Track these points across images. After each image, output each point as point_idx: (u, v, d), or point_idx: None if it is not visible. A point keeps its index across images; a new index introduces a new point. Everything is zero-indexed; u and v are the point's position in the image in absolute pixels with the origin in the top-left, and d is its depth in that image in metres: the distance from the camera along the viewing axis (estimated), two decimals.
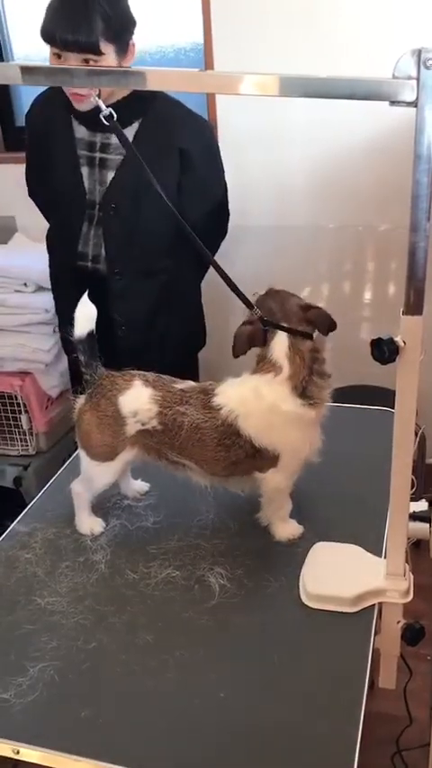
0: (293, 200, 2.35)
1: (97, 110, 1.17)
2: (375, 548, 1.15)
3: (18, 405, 2.27)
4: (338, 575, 1.10)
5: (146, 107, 1.68)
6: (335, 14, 2.11)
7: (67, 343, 1.89)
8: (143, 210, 1.71)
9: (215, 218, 1.86)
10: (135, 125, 1.69)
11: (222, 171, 1.85)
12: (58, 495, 1.35)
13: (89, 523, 1.26)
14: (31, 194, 1.94)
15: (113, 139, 1.70)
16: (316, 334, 1.16)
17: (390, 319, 1.04)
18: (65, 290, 1.86)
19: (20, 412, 2.27)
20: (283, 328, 1.14)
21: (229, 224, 1.95)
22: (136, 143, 1.67)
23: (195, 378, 1.25)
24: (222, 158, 1.83)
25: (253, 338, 1.16)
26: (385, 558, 1.08)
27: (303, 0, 2.11)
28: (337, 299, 2.44)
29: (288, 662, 0.99)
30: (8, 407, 2.28)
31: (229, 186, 1.89)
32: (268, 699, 0.94)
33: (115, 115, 1.18)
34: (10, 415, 2.29)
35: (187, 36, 2.37)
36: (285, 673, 0.98)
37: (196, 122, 1.76)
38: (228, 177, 1.86)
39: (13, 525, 1.29)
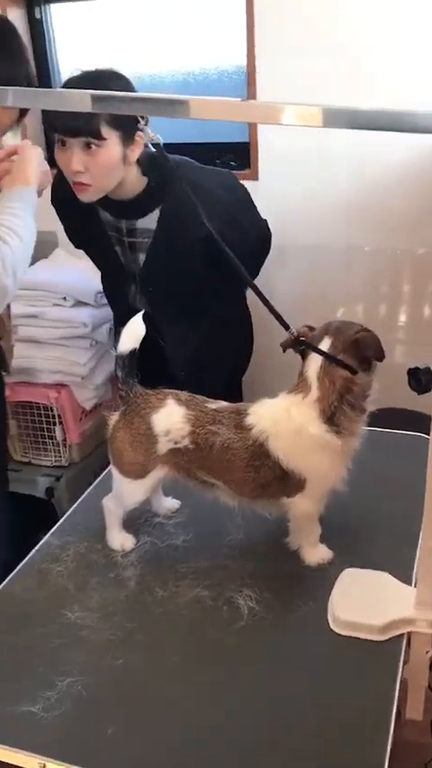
0: (330, 222, 2.36)
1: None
2: (405, 576, 1.14)
3: (53, 416, 2.30)
4: (368, 602, 1.10)
5: (163, 194, 1.67)
6: (380, 41, 2.12)
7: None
8: (180, 282, 1.75)
9: (254, 258, 1.87)
10: (156, 212, 1.70)
11: (254, 222, 1.83)
12: (91, 509, 1.36)
13: (120, 539, 1.27)
14: (76, 247, 1.99)
15: (138, 224, 1.73)
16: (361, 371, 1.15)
17: (425, 342, 1.04)
18: (121, 317, 1.93)
19: (54, 423, 2.30)
20: (314, 349, 1.15)
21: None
22: (159, 230, 1.70)
23: (239, 400, 1.26)
24: (261, 181, 1.84)
25: (288, 346, 1.18)
26: (415, 586, 1.07)
27: (348, 25, 2.13)
28: (372, 321, 2.43)
29: (315, 688, 0.99)
30: (43, 418, 2.31)
31: (266, 206, 1.90)
32: (293, 725, 0.94)
33: (161, 142, 1.21)
34: (44, 426, 2.32)
35: (231, 58, 2.40)
36: (312, 699, 0.97)
37: (215, 202, 1.69)
38: (266, 200, 1.87)
39: (45, 538, 1.31)
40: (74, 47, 2.60)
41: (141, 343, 1.20)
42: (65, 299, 2.27)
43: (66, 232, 1.92)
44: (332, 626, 1.08)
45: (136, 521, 1.32)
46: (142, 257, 1.77)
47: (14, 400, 2.26)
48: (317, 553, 1.21)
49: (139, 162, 1.64)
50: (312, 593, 1.14)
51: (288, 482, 1.16)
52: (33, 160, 1.28)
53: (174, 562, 1.23)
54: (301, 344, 1.16)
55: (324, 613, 1.10)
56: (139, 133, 1.60)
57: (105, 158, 1.57)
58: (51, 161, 1.55)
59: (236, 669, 1.02)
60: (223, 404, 1.24)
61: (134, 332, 1.22)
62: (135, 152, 1.61)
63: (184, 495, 1.35)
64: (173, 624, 1.10)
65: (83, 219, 1.77)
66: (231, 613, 1.11)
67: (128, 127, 1.57)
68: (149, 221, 1.72)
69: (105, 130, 1.54)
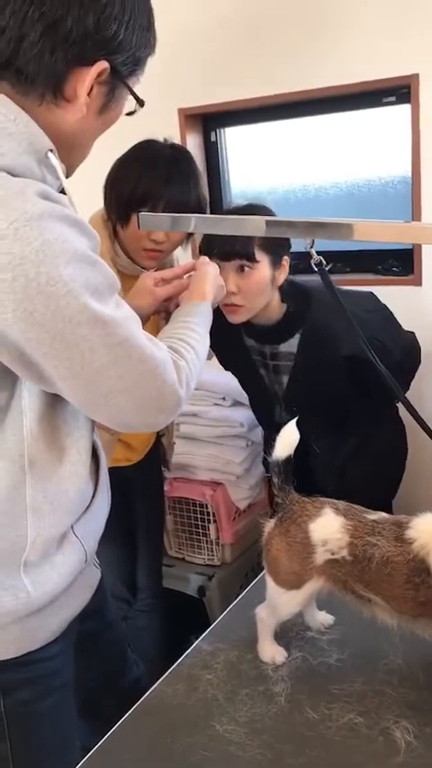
0: None
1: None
2: None
3: (208, 514, 2.33)
4: None
5: (304, 318, 1.72)
6: None
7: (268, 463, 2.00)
8: (324, 402, 1.77)
9: (401, 374, 1.84)
10: (296, 337, 1.75)
11: (397, 339, 1.82)
12: (242, 615, 1.35)
13: (271, 652, 1.24)
14: (224, 368, 2.08)
15: (281, 348, 1.79)
16: None
17: None
18: (269, 432, 1.96)
19: (209, 521, 2.33)
20: None
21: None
22: (300, 354, 1.75)
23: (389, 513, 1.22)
24: (425, 287, 1.83)
25: None
26: None
27: None
28: None
29: None
30: (198, 515, 2.35)
31: (429, 312, 1.88)
32: None
33: (324, 262, 1.25)
34: (199, 524, 2.35)
35: (395, 168, 2.46)
36: None
37: (356, 324, 1.66)
38: (430, 306, 1.86)
39: (196, 642, 1.30)
40: (246, 166, 2.79)
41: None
42: (224, 398, 2.35)
43: (215, 355, 2.01)
44: None
45: (288, 633, 1.28)
46: (285, 379, 1.82)
47: (172, 495, 2.32)
48: None
49: (279, 288, 1.71)
50: None
51: None
52: (210, 275, 1.34)
53: (326, 682, 1.17)
54: None
55: None
56: (285, 257, 1.69)
57: (257, 280, 1.65)
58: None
59: None
60: (383, 515, 1.20)
61: (289, 438, 1.23)
62: (282, 275, 1.70)
63: (339, 610, 1.30)
64: (324, 750, 1.04)
65: (230, 343, 1.85)
66: (387, 746, 1.04)
67: (278, 250, 1.66)
68: (291, 346, 1.78)
69: (258, 254, 1.63)
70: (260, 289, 1.67)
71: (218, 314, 1.70)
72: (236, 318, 1.70)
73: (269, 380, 1.86)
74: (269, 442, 1.24)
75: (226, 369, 2.06)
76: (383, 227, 0.87)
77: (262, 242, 1.62)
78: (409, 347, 1.89)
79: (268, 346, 1.81)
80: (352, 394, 1.73)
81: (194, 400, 2.35)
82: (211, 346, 1.76)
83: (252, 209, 1.69)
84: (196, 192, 1.68)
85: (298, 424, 1.78)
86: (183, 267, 1.41)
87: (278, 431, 1.25)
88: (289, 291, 1.74)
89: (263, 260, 1.64)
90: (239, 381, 2.04)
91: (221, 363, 2.03)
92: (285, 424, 1.84)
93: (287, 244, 1.71)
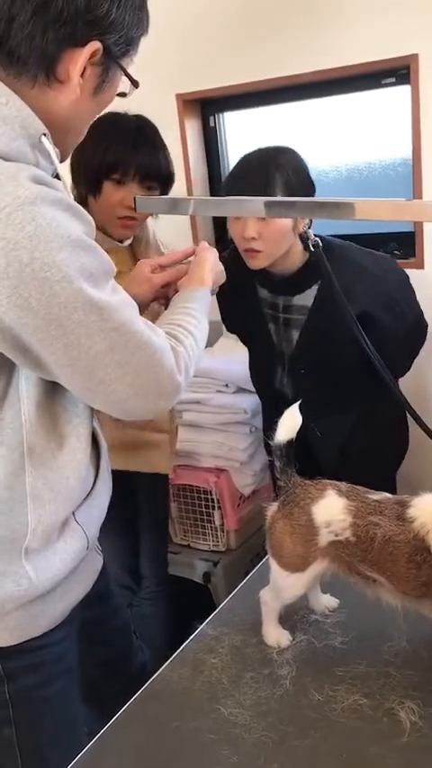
0: None
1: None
2: None
3: (212, 500, 2.33)
4: None
5: (322, 271, 1.70)
6: None
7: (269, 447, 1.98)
8: (332, 364, 1.75)
9: (409, 343, 1.84)
10: (314, 289, 1.74)
11: (412, 307, 1.81)
12: (246, 599, 1.35)
13: (276, 635, 1.24)
14: (229, 331, 2.07)
15: (294, 301, 1.77)
16: None
17: None
18: (267, 404, 1.95)
19: (213, 508, 2.33)
20: None
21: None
22: (315, 307, 1.73)
23: (393, 493, 1.22)
24: (427, 270, 1.82)
25: None
26: None
27: None
28: None
29: None
30: (202, 502, 2.35)
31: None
32: None
33: (321, 244, 1.24)
34: (203, 510, 2.35)
35: (395, 151, 2.43)
36: None
37: (375, 281, 1.73)
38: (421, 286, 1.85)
39: (201, 627, 1.30)
40: (245, 151, 2.76)
41: None
42: (227, 385, 2.34)
43: (221, 311, 1.99)
44: None
45: (292, 617, 1.28)
46: (295, 335, 1.80)
47: (176, 483, 2.32)
48: None
49: (301, 237, 1.70)
50: None
51: None
52: (209, 261, 1.34)
53: (331, 664, 1.17)
54: None
55: None
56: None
57: (278, 227, 1.64)
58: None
59: None
60: (386, 495, 1.19)
61: (291, 422, 1.22)
62: (302, 222, 1.68)
63: (343, 594, 1.30)
64: (329, 732, 1.04)
65: (241, 296, 1.83)
66: (392, 727, 1.04)
67: (300, 196, 1.63)
68: (306, 298, 1.76)
69: None
70: (281, 234, 1.65)
71: (232, 262, 1.70)
72: (256, 264, 1.70)
73: (277, 337, 1.84)
74: (267, 417, 1.23)
75: (231, 330, 2.03)
76: (384, 204, 0.87)
77: (285, 190, 1.61)
78: (421, 318, 1.87)
79: (282, 297, 1.79)
80: (359, 361, 1.70)
81: (197, 387, 2.35)
82: (220, 300, 1.76)
83: (278, 151, 1.68)
84: (165, 156, 1.69)
85: (300, 391, 1.77)
86: (182, 252, 1.40)
87: (274, 400, 1.24)
88: (311, 242, 1.72)
89: None
90: (245, 339, 2.00)
91: (227, 324, 2.01)
92: (284, 391, 1.85)
93: (311, 190, 1.69)
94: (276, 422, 1.22)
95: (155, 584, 2.09)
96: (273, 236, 1.65)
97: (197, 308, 1.22)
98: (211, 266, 1.33)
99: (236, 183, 1.65)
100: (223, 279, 1.39)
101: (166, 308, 1.29)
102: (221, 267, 1.38)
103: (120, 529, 1.93)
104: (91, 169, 1.66)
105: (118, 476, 1.26)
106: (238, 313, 1.92)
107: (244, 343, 2.03)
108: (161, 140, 1.71)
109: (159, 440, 1.86)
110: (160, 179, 1.69)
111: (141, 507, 2.02)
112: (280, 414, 1.23)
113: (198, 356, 1.14)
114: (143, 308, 1.29)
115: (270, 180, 1.60)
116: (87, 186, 1.69)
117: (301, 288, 1.76)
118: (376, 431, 1.86)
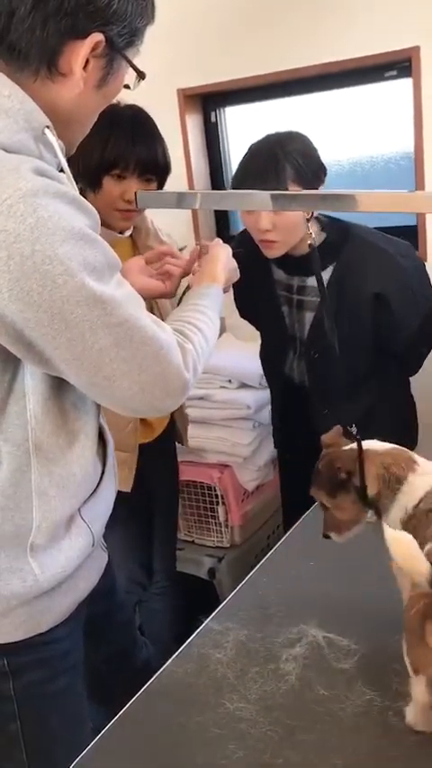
0: None
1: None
2: None
3: (216, 496, 2.33)
4: None
5: (339, 251, 1.70)
6: None
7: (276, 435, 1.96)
8: (345, 349, 1.74)
9: (423, 334, 1.83)
10: (329, 269, 1.72)
11: (429, 295, 1.79)
12: (252, 594, 1.35)
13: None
14: (242, 316, 2.06)
15: (309, 282, 1.76)
16: None
17: None
18: (276, 392, 1.94)
19: (217, 503, 2.33)
20: None
21: None
22: (330, 288, 1.71)
23: None
24: (430, 264, 1.81)
25: None
26: None
27: None
28: None
29: None
30: (206, 498, 2.35)
31: None
32: None
33: (315, 244, 1.22)
34: (208, 506, 2.35)
35: (398, 145, 2.43)
36: None
37: (392, 263, 1.70)
38: None
39: (206, 622, 1.30)
40: (246, 146, 2.75)
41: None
42: (230, 381, 2.34)
43: (234, 295, 1.97)
44: None
45: (299, 611, 1.27)
46: (309, 317, 1.79)
47: (180, 479, 2.32)
48: None
49: (318, 219, 1.70)
50: None
51: None
52: (222, 258, 1.32)
53: (336, 659, 1.16)
54: None
55: None
56: (320, 188, 1.65)
57: (292, 215, 1.62)
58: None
59: None
60: None
61: None
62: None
63: (351, 588, 1.29)
64: (336, 726, 1.04)
65: (256, 276, 1.82)
66: (400, 723, 1.03)
67: (312, 183, 1.63)
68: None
69: (292, 188, 1.60)
70: (295, 223, 1.64)
71: (246, 244, 1.71)
72: (272, 253, 1.70)
73: (290, 320, 1.83)
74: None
75: (243, 315, 2.02)
76: (386, 196, 0.86)
77: (295, 176, 1.60)
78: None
79: (297, 278, 1.78)
80: (373, 345, 1.69)
81: (201, 383, 2.35)
82: (235, 283, 1.76)
83: (291, 137, 1.67)
84: (162, 147, 1.69)
85: (312, 376, 1.75)
86: (195, 249, 1.39)
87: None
88: (330, 222, 1.72)
89: None
90: (257, 323, 1.99)
91: (239, 308, 1.99)
92: (293, 376, 1.83)
93: (323, 176, 1.68)
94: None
95: (165, 579, 2.08)
96: (287, 225, 1.64)
97: (208, 304, 1.21)
98: (223, 263, 1.31)
99: (244, 170, 1.65)
100: (237, 277, 1.38)
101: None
102: (235, 264, 1.36)
103: (136, 522, 1.92)
104: (90, 165, 1.65)
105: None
106: (253, 295, 1.91)
107: (256, 328, 2.01)
108: (157, 130, 1.70)
109: (123, 459, 1.82)
110: (158, 171, 1.69)
111: (157, 500, 2.00)
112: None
113: (208, 353, 1.12)
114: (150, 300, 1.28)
115: (279, 162, 1.59)
116: (87, 181, 1.68)
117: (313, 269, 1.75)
118: (385, 421, 1.85)
